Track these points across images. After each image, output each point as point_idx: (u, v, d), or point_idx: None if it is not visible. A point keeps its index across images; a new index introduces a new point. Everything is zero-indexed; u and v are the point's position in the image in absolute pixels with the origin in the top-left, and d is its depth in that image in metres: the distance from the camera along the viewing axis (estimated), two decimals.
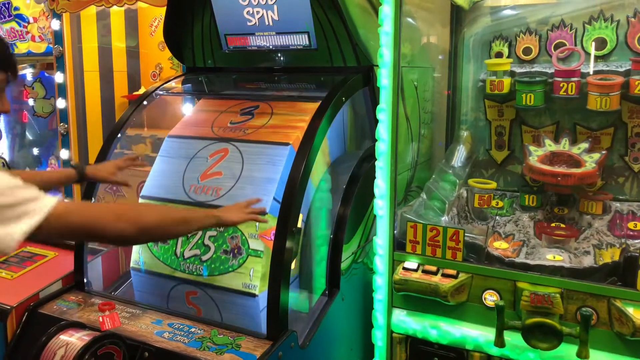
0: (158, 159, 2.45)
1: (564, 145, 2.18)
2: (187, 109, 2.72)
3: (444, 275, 1.87)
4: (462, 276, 1.85)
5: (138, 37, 3.44)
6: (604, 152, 2.09)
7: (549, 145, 2.20)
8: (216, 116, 2.51)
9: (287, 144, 2.22)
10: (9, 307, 2.16)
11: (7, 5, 3.43)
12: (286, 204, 1.90)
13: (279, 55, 2.53)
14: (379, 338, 2.03)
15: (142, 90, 3.21)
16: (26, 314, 2.14)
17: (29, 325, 2.12)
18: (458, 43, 2.47)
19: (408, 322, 1.96)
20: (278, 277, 1.84)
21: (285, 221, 1.87)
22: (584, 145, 2.13)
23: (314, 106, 2.17)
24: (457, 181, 2.29)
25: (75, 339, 1.79)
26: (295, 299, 2.15)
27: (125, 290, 2.46)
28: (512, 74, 2.24)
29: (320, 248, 2.19)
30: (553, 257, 1.87)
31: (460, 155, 2.40)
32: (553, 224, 2.11)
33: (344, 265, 2.17)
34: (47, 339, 1.78)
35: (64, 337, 1.81)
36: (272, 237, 1.92)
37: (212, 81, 2.86)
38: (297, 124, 2.29)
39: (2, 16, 3.46)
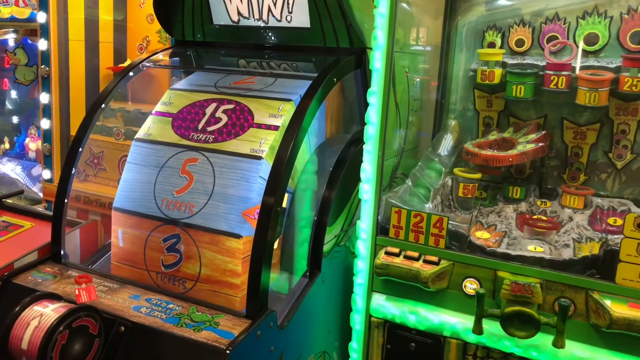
0: (127, 166, 2.28)
1: (519, 135, 2.24)
2: (173, 83, 2.67)
3: (425, 261, 1.87)
4: (444, 263, 1.85)
5: (126, 9, 3.36)
6: (540, 144, 2.13)
7: (507, 133, 2.27)
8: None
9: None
10: None
11: None
12: (272, 184, 1.88)
13: (270, 32, 2.48)
14: (357, 322, 2.03)
15: (127, 63, 3.14)
16: (0, 283, 2.10)
17: (3, 296, 2.07)
18: (451, 31, 2.46)
19: (387, 306, 1.96)
20: (260, 256, 1.82)
21: (270, 200, 1.85)
22: (532, 136, 2.19)
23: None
24: (443, 169, 2.30)
25: (49, 310, 1.75)
26: (275, 279, 2.14)
27: (103, 263, 2.42)
28: (503, 64, 2.24)
29: (303, 230, 2.18)
30: (534, 248, 1.89)
31: (447, 144, 2.40)
32: (535, 216, 2.13)
33: (326, 247, 2.16)
34: (20, 310, 1.74)
35: (38, 308, 1.77)
36: (256, 216, 1.90)
37: (200, 56, 2.81)
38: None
39: None
